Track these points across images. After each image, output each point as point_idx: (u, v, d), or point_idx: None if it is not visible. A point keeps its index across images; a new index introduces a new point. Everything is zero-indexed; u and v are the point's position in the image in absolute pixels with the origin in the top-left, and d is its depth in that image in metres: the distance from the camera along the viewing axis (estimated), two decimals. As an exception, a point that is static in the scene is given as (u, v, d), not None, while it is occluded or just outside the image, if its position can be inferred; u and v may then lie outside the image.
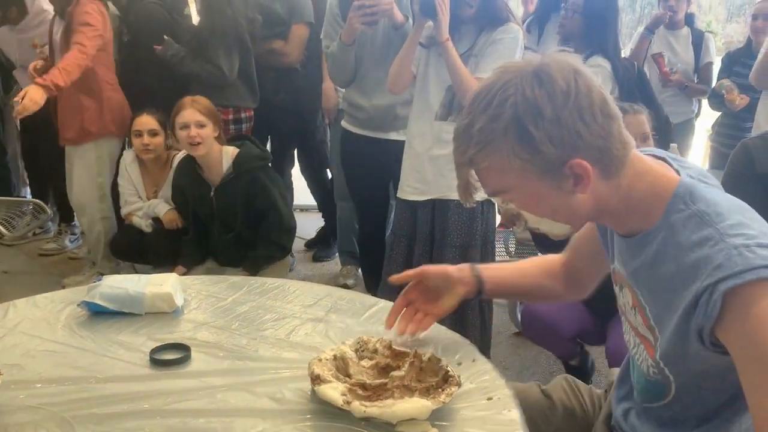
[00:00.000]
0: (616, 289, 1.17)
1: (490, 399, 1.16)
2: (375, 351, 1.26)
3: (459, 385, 1.13)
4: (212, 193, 2.89)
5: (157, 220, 3.11)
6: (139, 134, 3.08)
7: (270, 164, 3.00)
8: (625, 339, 1.18)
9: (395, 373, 1.16)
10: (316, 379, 1.14)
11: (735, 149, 2.23)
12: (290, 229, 2.98)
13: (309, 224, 4.37)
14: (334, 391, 1.10)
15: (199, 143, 2.77)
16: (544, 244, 2.35)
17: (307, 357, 1.32)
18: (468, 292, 1.35)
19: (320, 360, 1.20)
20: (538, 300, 1.47)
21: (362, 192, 3.21)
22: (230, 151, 2.87)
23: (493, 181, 1.00)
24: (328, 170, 3.98)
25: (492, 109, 0.94)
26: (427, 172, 2.54)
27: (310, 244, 4.28)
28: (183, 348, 1.34)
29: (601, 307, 1.93)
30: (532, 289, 1.41)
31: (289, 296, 1.63)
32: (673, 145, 2.95)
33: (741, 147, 2.21)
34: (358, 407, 1.06)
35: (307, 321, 1.50)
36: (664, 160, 1.07)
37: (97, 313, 1.49)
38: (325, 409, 1.14)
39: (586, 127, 0.94)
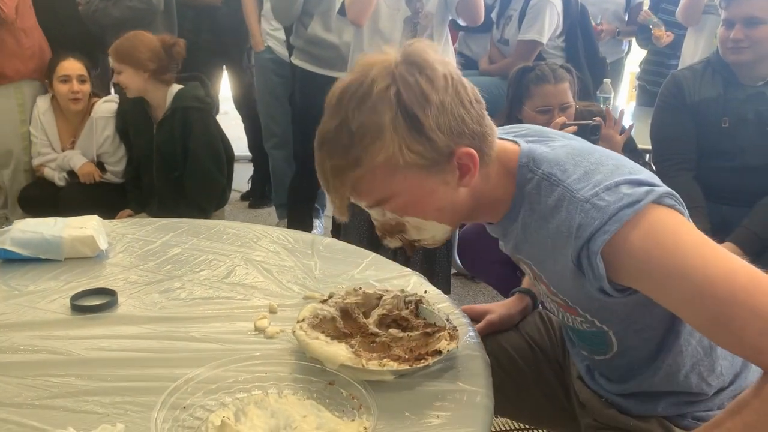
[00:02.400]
0: (522, 270, 1.10)
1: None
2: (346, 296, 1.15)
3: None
4: (154, 129, 2.69)
5: (71, 173, 2.85)
6: (67, 80, 2.78)
7: (210, 112, 2.76)
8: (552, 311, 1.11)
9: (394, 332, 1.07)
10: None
11: (665, 81, 2.22)
12: (211, 187, 2.75)
13: (241, 175, 4.17)
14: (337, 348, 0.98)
15: (121, 91, 2.60)
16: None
17: (248, 296, 1.20)
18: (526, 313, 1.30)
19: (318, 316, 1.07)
20: None
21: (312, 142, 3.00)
22: (175, 89, 2.67)
23: (379, 186, 0.90)
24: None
25: (370, 102, 0.86)
26: None
27: (245, 196, 4.10)
28: (108, 293, 1.19)
29: None
30: None
31: (225, 237, 1.49)
32: (606, 80, 2.91)
33: (671, 79, 2.19)
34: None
35: (247, 261, 1.36)
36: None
37: (9, 260, 1.31)
38: (272, 348, 1.03)
39: (467, 113, 0.88)
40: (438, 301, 1.20)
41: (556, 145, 0.97)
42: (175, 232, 1.50)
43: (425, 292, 1.24)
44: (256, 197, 4.01)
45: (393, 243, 0.99)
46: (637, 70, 3.69)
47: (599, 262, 0.84)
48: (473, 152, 0.89)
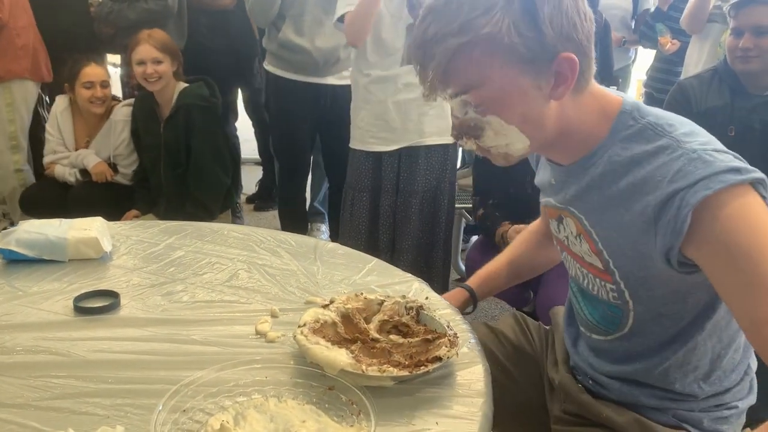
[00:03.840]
0: (553, 225, 1.10)
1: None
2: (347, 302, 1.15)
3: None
4: (162, 127, 2.74)
5: (84, 171, 2.87)
6: (91, 86, 2.81)
7: (214, 112, 2.78)
8: (571, 275, 1.11)
9: (395, 338, 1.07)
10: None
11: (672, 89, 2.21)
12: (214, 186, 2.77)
13: (248, 178, 4.19)
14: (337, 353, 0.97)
15: (156, 80, 2.64)
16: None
17: (250, 300, 1.21)
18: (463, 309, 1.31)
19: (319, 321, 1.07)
20: (541, 271, 1.39)
21: (288, 146, 2.99)
22: (181, 87, 2.73)
23: (474, 67, 0.85)
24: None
25: None
26: (394, 120, 2.30)
27: (251, 198, 4.11)
28: (111, 294, 1.20)
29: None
30: (519, 275, 1.38)
31: (229, 240, 1.50)
32: (612, 88, 2.90)
33: (678, 87, 2.19)
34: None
35: (250, 264, 1.37)
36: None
37: (14, 261, 1.32)
38: (273, 353, 1.03)
39: (581, 22, 0.86)
40: (439, 308, 1.20)
41: (658, 109, 0.96)
42: (179, 234, 1.51)
43: (426, 298, 1.24)
44: (262, 200, 4.02)
45: (467, 145, 0.94)
46: (644, 77, 3.69)
47: (688, 216, 0.82)
48: (575, 59, 0.85)
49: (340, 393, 0.92)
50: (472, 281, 1.37)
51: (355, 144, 2.45)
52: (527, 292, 2.32)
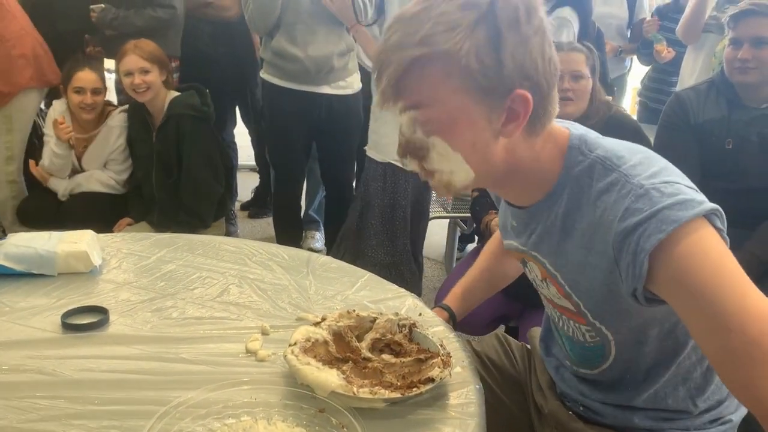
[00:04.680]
0: (525, 269, 1.08)
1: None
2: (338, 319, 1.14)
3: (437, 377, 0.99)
4: (153, 137, 2.72)
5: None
6: (81, 91, 2.78)
7: (206, 120, 2.77)
8: (547, 315, 1.11)
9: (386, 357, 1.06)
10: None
11: (669, 101, 2.21)
12: (207, 196, 2.76)
13: (244, 185, 4.18)
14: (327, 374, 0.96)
15: (144, 90, 2.61)
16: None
17: (241, 316, 1.19)
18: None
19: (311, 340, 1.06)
20: (515, 277, 1.39)
21: (283, 153, 2.99)
22: (172, 96, 2.71)
23: (427, 84, 0.83)
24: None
25: None
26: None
27: (246, 205, 4.10)
28: (99, 311, 1.18)
29: (519, 292, 1.87)
30: (494, 285, 1.38)
31: (221, 253, 1.48)
32: (608, 99, 2.90)
33: (675, 99, 2.18)
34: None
35: (241, 279, 1.35)
36: None
37: (2, 275, 1.30)
38: (263, 372, 1.02)
39: (543, 64, 0.83)
40: (432, 325, 1.19)
41: (606, 138, 0.94)
42: (170, 247, 1.49)
43: (420, 314, 1.23)
44: (257, 207, 4.01)
45: (410, 165, 0.92)
46: (639, 86, 3.69)
47: (645, 261, 0.80)
48: (530, 98, 0.83)
49: (330, 416, 0.91)
50: (450, 300, 1.35)
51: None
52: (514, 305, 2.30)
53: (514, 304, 1.94)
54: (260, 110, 3.42)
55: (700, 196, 0.83)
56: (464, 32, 0.80)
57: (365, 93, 2.93)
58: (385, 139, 2.49)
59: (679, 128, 2.11)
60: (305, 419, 0.91)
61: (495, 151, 0.87)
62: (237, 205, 4.00)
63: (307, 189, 3.57)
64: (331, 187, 3.17)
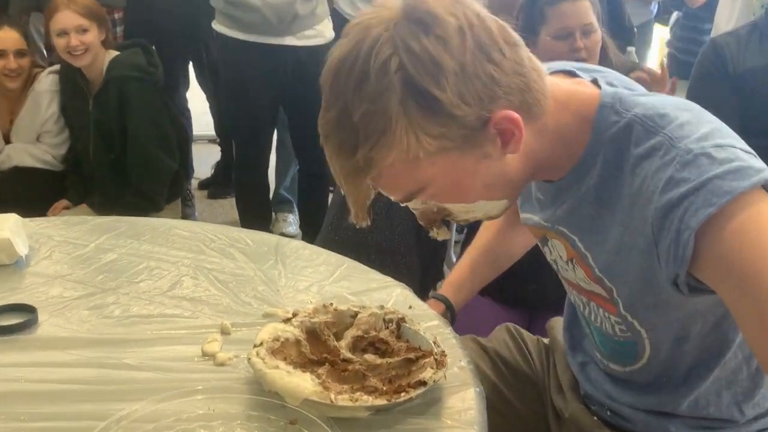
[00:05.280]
0: (544, 249, 1.08)
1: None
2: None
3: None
4: (90, 105, 2.68)
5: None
6: (3, 55, 2.73)
7: (153, 83, 2.74)
8: (570, 301, 1.11)
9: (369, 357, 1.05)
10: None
11: (703, 49, 2.21)
12: (158, 173, 2.73)
13: (202, 160, 4.15)
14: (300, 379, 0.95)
15: (82, 52, 2.56)
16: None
17: (196, 313, 1.18)
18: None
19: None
20: (520, 255, 1.39)
21: (244, 120, 2.96)
22: (112, 56, 2.67)
23: (404, 182, 0.86)
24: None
25: (370, 85, 0.78)
26: None
27: (205, 183, 4.07)
28: (26, 309, 1.17)
29: (522, 296, 1.86)
30: (497, 266, 1.39)
31: (172, 239, 1.47)
32: (630, 49, 2.89)
33: (711, 46, 2.18)
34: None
35: (197, 269, 1.34)
36: (573, 74, 0.96)
37: None
38: (223, 378, 1.01)
39: (499, 68, 0.81)
40: (425, 319, 1.18)
41: (642, 93, 0.93)
42: (111, 233, 1.48)
43: (410, 307, 1.22)
44: (219, 185, 3.98)
45: (441, 234, 0.96)
46: (668, 35, 3.68)
47: (690, 240, 0.78)
48: (513, 115, 0.82)
49: (303, 428, 0.90)
50: (446, 289, 1.35)
51: None
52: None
53: (519, 311, 1.94)
54: (213, 67, 3.38)
55: (759, 163, 0.82)
56: (400, 125, 0.79)
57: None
58: None
59: (715, 79, 2.12)
60: (273, 433, 0.90)
61: (513, 168, 0.88)
62: (194, 183, 3.98)
63: (277, 163, 3.54)
64: (304, 160, 3.15)
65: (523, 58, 0.84)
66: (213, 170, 4.10)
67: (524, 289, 1.75)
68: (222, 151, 4.03)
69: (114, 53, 2.68)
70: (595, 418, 1.09)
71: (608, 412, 1.07)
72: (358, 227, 0.92)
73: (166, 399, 0.94)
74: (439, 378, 0.98)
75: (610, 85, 0.92)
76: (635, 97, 0.90)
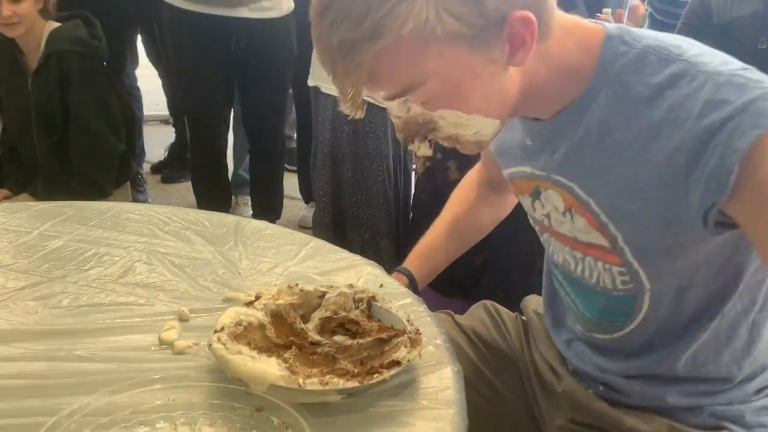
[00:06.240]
0: (524, 202, 1.08)
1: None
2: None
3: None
4: (29, 83, 2.62)
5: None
6: None
7: (97, 57, 2.69)
8: (555, 262, 1.10)
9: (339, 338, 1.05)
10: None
11: (690, 1, 2.27)
12: (103, 156, 2.69)
13: (155, 142, 4.10)
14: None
15: (16, 23, 2.49)
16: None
17: (151, 300, 1.17)
18: None
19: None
20: (488, 230, 1.39)
21: (196, 93, 2.95)
22: (52, 28, 2.60)
23: (405, 67, 0.83)
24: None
25: None
26: None
27: (158, 167, 4.02)
28: (-35, 302, 1.14)
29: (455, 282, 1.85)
30: (465, 240, 1.39)
31: (122, 223, 1.45)
32: (606, 11, 2.91)
33: (697, -3, 2.24)
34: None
35: (150, 254, 1.32)
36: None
37: None
38: (183, 367, 1.00)
39: None
40: (397, 298, 1.18)
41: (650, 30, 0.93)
42: (56, 219, 1.45)
43: (381, 286, 1.22)
44: (173, 168, 3.94)
45: (422, 149, 0.93)
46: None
47: (736, 165, 0.78)
48: (530, 16, 0.82)
49: (270, 415, 0.89)
50: (411, 262, 1.35)
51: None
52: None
53: (453, 301, 1.94)
54: (161, 41, 3.34)
55: None
56: None
57: (300, 13, 2.88)
58: None
59: (697, 30, 2.17)
60: (239, 421, 0.89)
61: (510, 85, 0.88)
62: (146, 167, 3.94)
63: (234, 143, 3.52)
64: (255, 139, 3.13)
65: None
66: (166, 152, 4.06)
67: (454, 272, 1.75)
68: (176, 131, 4.00)
69: (54, 25, 2.62)
70: (590, 391, 1.10)
71: (601, 387, 1.08)
72: (350, 118, 0.89)
73: (121, 390, 0.91)
74: (413, 357, 0.99)
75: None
76: (642, 31, 0.91)
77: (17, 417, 0.90)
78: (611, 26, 0.91)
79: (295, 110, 3.58)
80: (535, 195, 1.04)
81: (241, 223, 1.47)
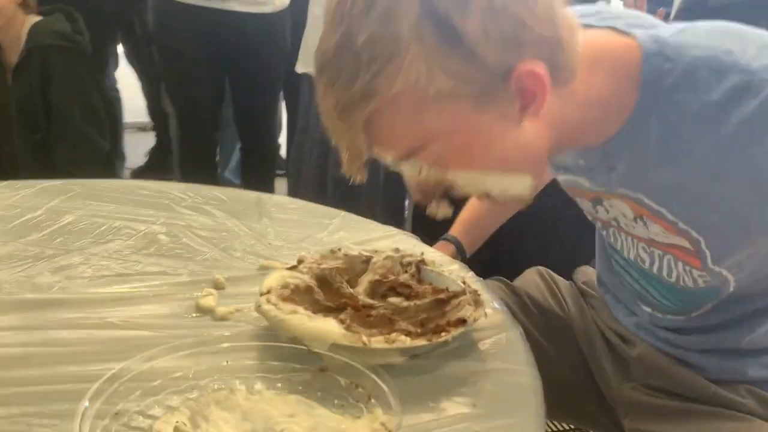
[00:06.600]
0: (585, 206, 1.02)
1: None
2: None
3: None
4: (9, 79, 2.53)
5: None
6: None
7: (80, 53, 2.60)
8: (624, 256, 1.03)
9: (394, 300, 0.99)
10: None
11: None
12: (87, 154, 2.61)
13: (133, 149, 3.99)
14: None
15: None
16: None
17: (180, 270, 1.09)
18: None
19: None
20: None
21: (186, 90, 2.85)
22: (33, 22, 2.51)
23: (405, 129, 0.78)
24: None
25: (382, 4, 0.72)
26: None
27: (139, 172, 3.91)
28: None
29: None
30: (507, 209, 1.33)
31: (136, 199, 1.37)
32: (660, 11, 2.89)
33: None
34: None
35: (172, 227, 1.25)
36: (592, 26, 0.88)
37: None
38: (228, 333, 0.93)
39: (530, 11, 0.74)
40: (443, 264, 1.12)
41: (679, 27, 0.84)
42: (64, 196, 1.36)
43: (422, 253, 1.15)
44: (154, 172, 3.83)
45: (441, 212, 0.87)
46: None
47: None
48: (540, 69, 0.75)
49: (337, 375, 0.82)
50: (456, 229, 1.30)
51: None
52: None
53: None
54: (149, 37, 3.24)
55: None
56: (411, 54, 0.72)
57: (295, 9, 2.82)
58: None
59: (695, 14, 2.14)
60: (301, 384, 0.82)
61: (533, 137, 0.81)
62: (127, 173, 3.83)
63: (220, 145, 3.43)
64: (248, 139, 3.06)
65: (556, 11, 0.77)
66: (147, 157, 3.96)
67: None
68: (157, 135, 3.90)
69: (35, 18, 2.53)
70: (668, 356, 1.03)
71: (674, 360, 1.03)
72: (351, 183, 0.84)
73: (167, 352, 0.84)
74: (479, 316, 0.92)
75: (641, 26, 0.84)
76: (678, 35, 0.82)
77: (53, 384, 0.82)
78: (645, 39, 0.82)
79: (287, 112, 3.50)
80: (597, 201, 0.98)
81: (261, 198, 1.40)
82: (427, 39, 0.72)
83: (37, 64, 2.48)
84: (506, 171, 0.83)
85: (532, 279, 1.25)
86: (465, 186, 0.84)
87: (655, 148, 0.82)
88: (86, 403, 0.74)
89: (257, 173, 3.09)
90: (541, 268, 1.27)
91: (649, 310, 1.03)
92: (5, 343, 0.89)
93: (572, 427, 1.91)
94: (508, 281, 1.24)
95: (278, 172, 3.47)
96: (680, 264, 0.92)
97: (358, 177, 0.83)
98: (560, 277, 1.26)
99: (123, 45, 3.60)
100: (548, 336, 1.17)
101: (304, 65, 2.61)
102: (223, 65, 2.80)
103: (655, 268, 0.96)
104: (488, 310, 0.99)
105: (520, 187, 0.85)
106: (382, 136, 0.79)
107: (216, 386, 0.81)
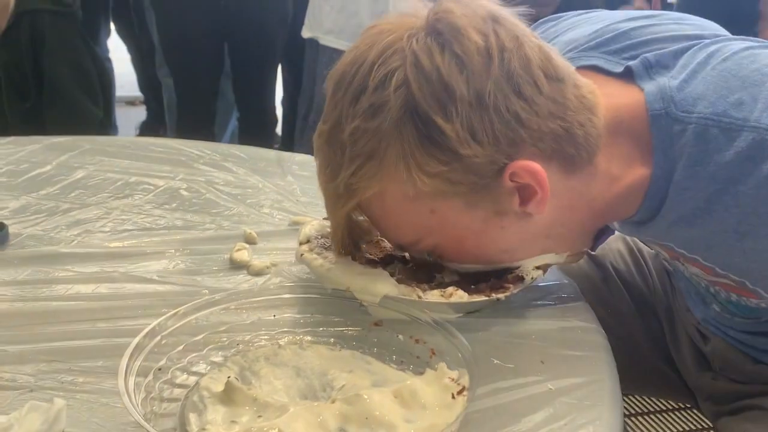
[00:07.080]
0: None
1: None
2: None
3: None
4: (-1, 44, 2.49)
5: None
6: None
7: (71, 18, 2.54)
8: (680, 271, 0.96)
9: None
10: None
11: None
12: (83, 123, 2.53)
13: (124, 122, 3.90)
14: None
15: None
16: None
17: (207, 225, 1.03)
18: None
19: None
20: None
21: (185, 57, 2.79)
22: None
23: (393, 223, 0.78)
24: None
25: (368, 96, 0.70)
26: None
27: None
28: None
29: None
30: None
31: (149, 156, 1.29)
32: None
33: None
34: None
35: (193, 183, 1.18)
36: (597, 68, 0.81)
37: None
38: (267, 286, 0.86)
39: (528, 105, 0.70)
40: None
41: (681, 63, 0.78)
42: (73, 152, 1.29)
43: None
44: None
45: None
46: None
47: None
48: (534, 166, 0.70)
49: (393, 329, 0.76)
50: None
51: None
52: None
53: None
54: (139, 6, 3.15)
55: None
56: (391, 150, 0.69)
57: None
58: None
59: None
60: (355, 339, 0.76)
61: (537, 226, 0.78)
62: (118, 144, 3.75)
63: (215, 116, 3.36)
64: (246, 110, 3.00)
65: (568, 98, 0.72)
66: (138, 130, 3.87)
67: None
68: (147, 108, 3.82)
69: None
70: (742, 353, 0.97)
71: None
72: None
73: (207, 305, 0.77)
74: (537, 275, 0.86)
75: (647, 67, 0.78)
76: (683, 82, 0.75)
77: (85, 339, 0.77)
78: (651, 97, 0.76)
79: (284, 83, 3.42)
80: (634, 241, 0.96)
81: (283, 156, 1.33)
82: (408, 138, 0.69)
83: (27, 29, 2.43)
84: (514, 260, 0.81)
85: (616, 248, 1.14)
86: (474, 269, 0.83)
87: (676, 216, 0.77)
88: (126, 359, 0.68)
89: (255, 141, 3.02)
90: (627, 238, 1.15)
91: (717, 309, 0.97)
92: (26, 297, 0.83)
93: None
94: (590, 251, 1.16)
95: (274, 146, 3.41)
96: (733, 295, 0.87)
97: (343, 257, 0.82)
98: (648, 249, 1.14)
99: (114, 20, 3.50)
100: (627, 308, 1.09)
101: (310, 29, 2.53)
102: (223, 34, 2.73)
103: (711, 290, 0.91)
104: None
105: (548, 259, 0.82)
106: (375, 224, 0.80)
107: (262, 341, 0.75)
